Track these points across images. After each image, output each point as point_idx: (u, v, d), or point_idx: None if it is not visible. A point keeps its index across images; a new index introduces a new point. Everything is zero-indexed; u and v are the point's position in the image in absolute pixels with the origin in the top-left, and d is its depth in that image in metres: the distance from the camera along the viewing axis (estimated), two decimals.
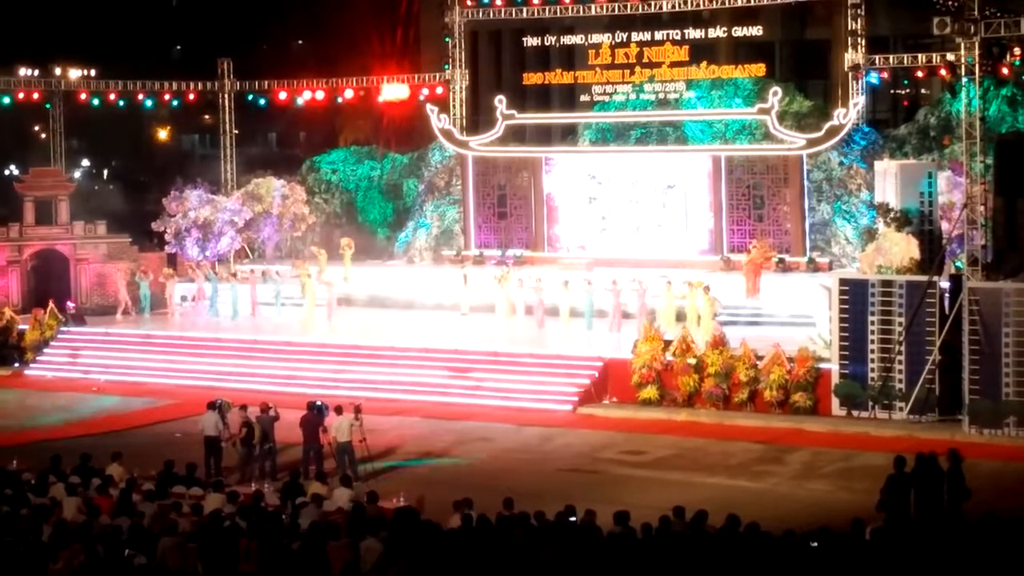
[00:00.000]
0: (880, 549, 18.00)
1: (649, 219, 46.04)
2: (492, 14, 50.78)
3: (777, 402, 33.44)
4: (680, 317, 38.02)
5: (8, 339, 42.86)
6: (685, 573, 17.38)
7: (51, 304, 43.42)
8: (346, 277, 46.42)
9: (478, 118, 51.81)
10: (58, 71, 53.77)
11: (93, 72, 55.16)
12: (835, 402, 33.12)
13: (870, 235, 36.90)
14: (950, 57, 42.23)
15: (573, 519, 19.67)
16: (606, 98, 48.09)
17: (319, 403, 28.90)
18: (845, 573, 17.17)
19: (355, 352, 39.06)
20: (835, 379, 33.11)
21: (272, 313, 44.35)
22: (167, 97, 54.80)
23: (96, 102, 53.55)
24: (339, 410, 28.33)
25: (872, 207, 39.79)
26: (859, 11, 45.77)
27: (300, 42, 73.22)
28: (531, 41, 50.42)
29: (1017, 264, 32.21)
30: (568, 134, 50.99)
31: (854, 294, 33.10)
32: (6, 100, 52.09)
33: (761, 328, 38.22)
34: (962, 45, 33.10)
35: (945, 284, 33.18)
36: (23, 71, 53.34)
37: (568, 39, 49.82)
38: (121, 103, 54.37)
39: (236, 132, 55.46)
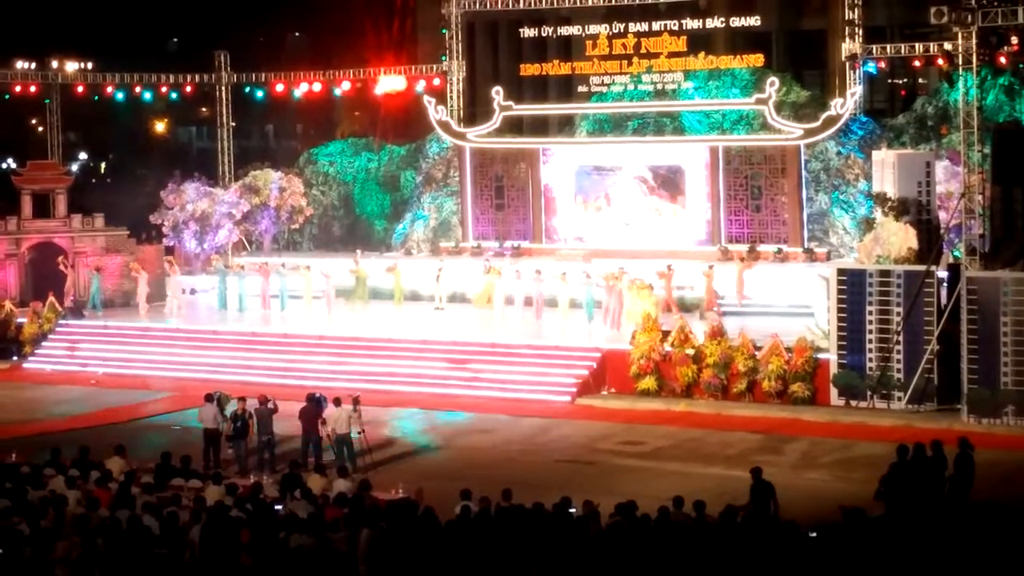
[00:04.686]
0: (879, 538, 18.01)
1: (646, 208, 45.99)
2: (489, 5, 50.65)
3: (775, 392, 33.46)
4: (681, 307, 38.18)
5: (7, 332, 42.82)
6: (684, 563, 17.39)
7: (51, 297, 43.40)
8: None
9: (475, 109, 51.70)
10: (55, 64, 53.59)
11: (90, 65, 55.02)
12: (833, 392, 33.14)
13: (868, 225, 36.87)
14: (947, 46, 42.10)
15: (572, 510, 19.69)
16: (603, 89, 47.94)
17: (318, 395, 28.95)
18: (844, 562, 17.19)
19: (353, 344, 39.10)
20: (833, 369, 33.12)
21: (278, 306, 44.26)
22: (164, 90, 54.70)
23: (94, 96, 53.58)
24: (337, 402, 28.40)
25: (870, 197, 39.76)
26: (856, 0, 45.65)
27: (297, 34, 73.13)
28: (528, 32, 50.22)
29: (1015, 253, 32.22)
30: (565, 125, 50.89)
31: (852, 284, 33.11)
32: (4, 95, 52.10)
33: (759, 318, 38.25)
34: (959, 34, 33.11)
35: (943, 274, 33.19)
36: (20, 64, 53.20)
37: (565, 30, 49.61)
38: (118, 96, 54.32)
39: (233, 124, 55.34)
